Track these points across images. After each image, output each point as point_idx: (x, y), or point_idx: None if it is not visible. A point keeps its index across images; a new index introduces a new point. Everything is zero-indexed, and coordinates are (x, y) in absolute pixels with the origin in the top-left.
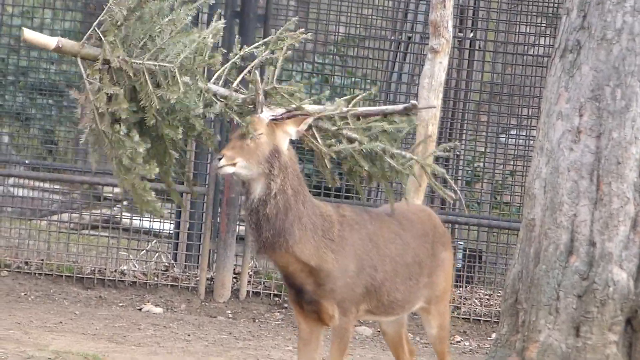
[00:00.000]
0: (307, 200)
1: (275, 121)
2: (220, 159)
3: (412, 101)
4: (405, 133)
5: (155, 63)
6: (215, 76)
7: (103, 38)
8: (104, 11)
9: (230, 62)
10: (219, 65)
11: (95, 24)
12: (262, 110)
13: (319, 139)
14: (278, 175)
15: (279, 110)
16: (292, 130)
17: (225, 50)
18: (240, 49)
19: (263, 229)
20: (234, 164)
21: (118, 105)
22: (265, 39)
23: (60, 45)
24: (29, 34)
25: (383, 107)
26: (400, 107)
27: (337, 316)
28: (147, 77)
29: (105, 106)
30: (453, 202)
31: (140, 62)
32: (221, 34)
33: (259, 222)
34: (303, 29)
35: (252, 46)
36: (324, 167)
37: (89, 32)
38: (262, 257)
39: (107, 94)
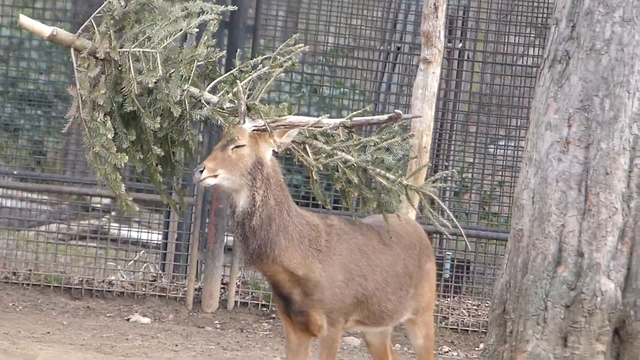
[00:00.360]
0: (292, 210)
1: (258, 132)
2: (201, 171)
3: (396, 110)
4: (401, 158)
5: (140, 49)
6: (210, 85)
7: (95, 28)
8: (104, 4)
9: (226, 74)
10: (202, 59)
11: (92, 16)
12: (244, 121)
13: (309, 154)
14: (261, 187)
15: (260, 122)
16: (275, 141)
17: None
18: (239, 63)
19: (249, 240)
20: (216, 176)
21: (97, 91)
22: (268, 55)
23: (54, 34)
24: (25, 20)
25: (369, 117)
26: (385, 117)
27: (325, 326)
28: (131, 63)
29: (87, 93)
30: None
31: (127, 50)
32: (213, 28)
33: (245, 234)
34: (302, 45)
35: (251, 61)
36: (314, 182)
37: (85, 23)
38: (251, 267)
39: (90, 82)
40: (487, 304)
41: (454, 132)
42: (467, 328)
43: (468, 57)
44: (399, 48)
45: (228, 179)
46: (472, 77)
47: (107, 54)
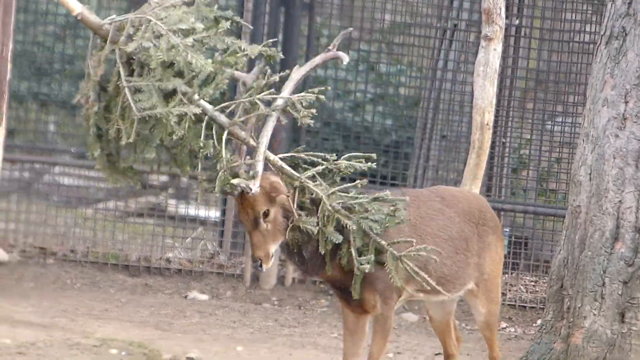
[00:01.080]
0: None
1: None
2: (260, 266)
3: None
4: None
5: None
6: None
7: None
8: (141, 7)
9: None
10: (215, 37)
11: (131, 14)
12: (257, 184)
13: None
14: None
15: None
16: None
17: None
18: (265, 77)
19: (305, 265)
20: (272, 256)
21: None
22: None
23: (80, 17)
24: None
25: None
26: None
27: (379, 305)
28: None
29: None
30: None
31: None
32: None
33: (297, 262)
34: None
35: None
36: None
37: (121, 20)
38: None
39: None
40: (544, 280)
41: (512, 108)
42: (524, 304)
43: (525, 34)
44: (455, 25)
45: (277, 246)
46: (529, 53)
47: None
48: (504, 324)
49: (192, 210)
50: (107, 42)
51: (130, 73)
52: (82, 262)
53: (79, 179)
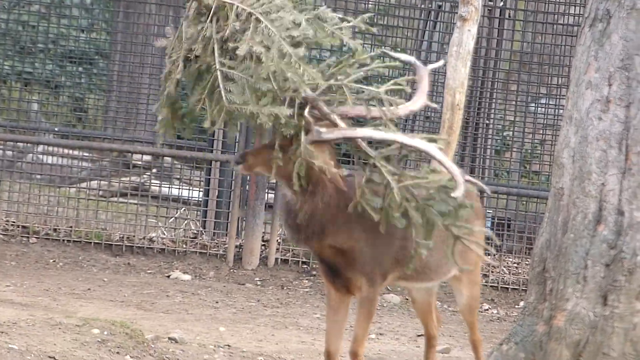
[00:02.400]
0: (339, 193)
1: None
2: (238, 164)
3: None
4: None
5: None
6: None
7: None
8: None
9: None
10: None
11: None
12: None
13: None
14: (326, 187)
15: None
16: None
17: None
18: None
19: (300, 230)
20: (250, 170)
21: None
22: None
23: None
24: None
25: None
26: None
27: (364, 288)
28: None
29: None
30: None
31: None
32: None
33: (298, 223)
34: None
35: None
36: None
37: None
38: (298, 245)
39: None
40: (527, 262)
41: (495, 90)
42: (507, 286)
43: (509, 16)
44: (440, 6)
45: (260, 172)
46: (513, 35)
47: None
48: (486, 306)
49: (175, 190)
50: (209, 19)
51: (223, 53)
52: (64, 241)
53: (62, 158)
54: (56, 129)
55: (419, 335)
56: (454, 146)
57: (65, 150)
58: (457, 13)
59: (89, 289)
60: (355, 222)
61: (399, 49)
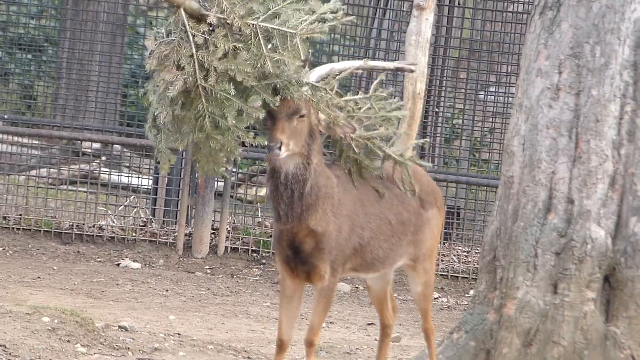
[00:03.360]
0: (328, 175)
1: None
2: (279, 147)
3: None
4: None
5: (274, 27)
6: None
7: None
8: None
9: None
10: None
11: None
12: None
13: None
14: (315, 156)
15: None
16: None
17: None
18: None
19: (295, 205)
20: (288, 149)
21: (235, 64)
22: None
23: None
24: None
25: (382, 63)
26: (392, 65)
27: (327, 276)
28: (260, 38)
29: (218, 63)
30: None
31: (254, 22)
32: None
33: (292, 199)
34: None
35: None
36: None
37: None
38: (281, 226)
39: (224, 51)
40: (477, 251)
41: (444, 78)
42: (457, 274)
43: (458, 3)
44: None
45: (293, 150)
46: (463, 23)
47: (235, 24)
48: (436, 294)
49: (124, 178)
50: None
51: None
52: (14, 229)
53: (11, 146)
54: (5, 117)
55: (368, 324)
56: (414, 135)
57: (15, 138)
58: (407, 0)
59: (38, 277)
60: (331, 206)
61: (349, 36)
